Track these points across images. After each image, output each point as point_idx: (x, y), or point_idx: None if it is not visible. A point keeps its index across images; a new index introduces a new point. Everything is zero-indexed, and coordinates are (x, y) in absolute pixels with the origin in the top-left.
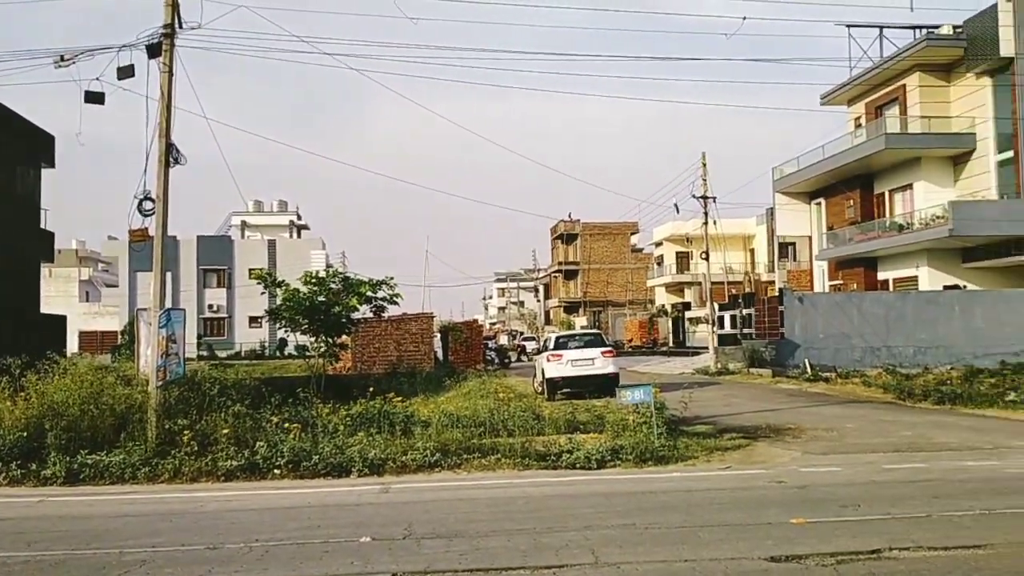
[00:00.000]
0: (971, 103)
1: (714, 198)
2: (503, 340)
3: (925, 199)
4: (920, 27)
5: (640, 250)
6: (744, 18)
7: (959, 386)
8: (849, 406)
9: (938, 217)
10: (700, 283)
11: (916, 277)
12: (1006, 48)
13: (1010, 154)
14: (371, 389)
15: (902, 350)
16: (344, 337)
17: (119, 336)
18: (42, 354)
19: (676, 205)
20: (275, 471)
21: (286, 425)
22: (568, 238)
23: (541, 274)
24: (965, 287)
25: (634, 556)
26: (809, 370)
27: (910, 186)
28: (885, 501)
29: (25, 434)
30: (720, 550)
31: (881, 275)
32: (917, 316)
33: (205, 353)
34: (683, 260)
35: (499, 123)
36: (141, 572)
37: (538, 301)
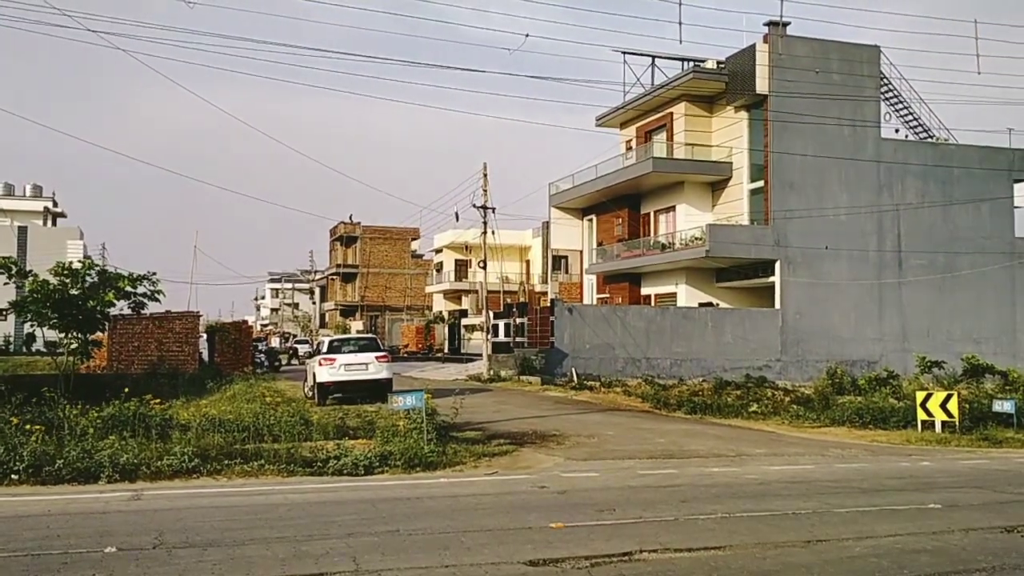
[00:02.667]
0: (730, 134)
1: (494, 208)
2: (275, 343)
3: (686, 221)
4: (688, 59)
5: (420, 256)
6: (527, 35)
7: (709, 397)
8: (610, 414)
9: (696, 238)
10: (477, 291)
11: (675, 294)
12: (761, 85)
13: (761, 184)
14: (127, 390)
15: (660, 362)
16: (99, 334)
17: None
18: None
19: (457, 213)
20: (13, 476)
21: (28, 426)
22: (348, 240)
23: (318, 276)
24: (717, 305)
25: (395, 563)
26: (576, 378)
27: (673, 208)
28: (638, 505)
29: None
30: (481, 555)
31: (644, 290)
32: (675, 330)
33: None
34: (462, 268)
35: (285, 120)
36: None
37: (314, 304)
